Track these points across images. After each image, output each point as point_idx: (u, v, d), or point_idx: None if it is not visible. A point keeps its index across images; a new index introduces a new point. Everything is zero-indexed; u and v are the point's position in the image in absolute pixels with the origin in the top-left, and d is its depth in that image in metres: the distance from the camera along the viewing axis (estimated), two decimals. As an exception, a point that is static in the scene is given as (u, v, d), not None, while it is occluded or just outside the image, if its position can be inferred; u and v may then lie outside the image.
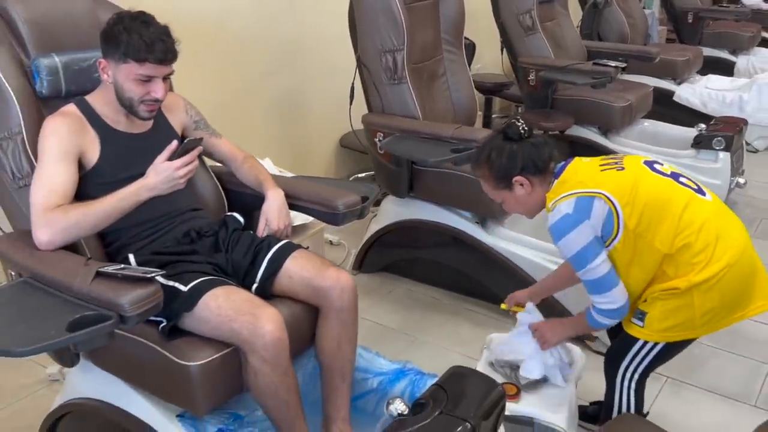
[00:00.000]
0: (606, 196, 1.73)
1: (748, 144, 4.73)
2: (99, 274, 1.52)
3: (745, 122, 3.91)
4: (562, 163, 1.85)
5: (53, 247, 1.65)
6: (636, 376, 1.92)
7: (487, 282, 2.87)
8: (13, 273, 1.74)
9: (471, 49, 3.90)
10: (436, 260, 3.04)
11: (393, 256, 3.15)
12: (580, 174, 1.80)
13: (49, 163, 1.70)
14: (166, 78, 1.78)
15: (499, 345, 2.16)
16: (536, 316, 2.08)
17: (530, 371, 2.01)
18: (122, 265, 1.59)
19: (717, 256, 1.73)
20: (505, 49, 4.15)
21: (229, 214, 2.01)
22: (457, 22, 3.13)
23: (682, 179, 1.83)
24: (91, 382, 1.86)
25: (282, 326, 1.60)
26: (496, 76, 4.78)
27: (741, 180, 3.81)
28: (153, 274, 1.52)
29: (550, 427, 1.96)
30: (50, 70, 1.82)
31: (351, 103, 3.00)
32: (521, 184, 1.83)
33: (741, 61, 5.93)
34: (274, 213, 1.95)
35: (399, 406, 1.64)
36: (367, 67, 2.86)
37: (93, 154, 1.78)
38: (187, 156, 1.76)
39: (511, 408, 1.94)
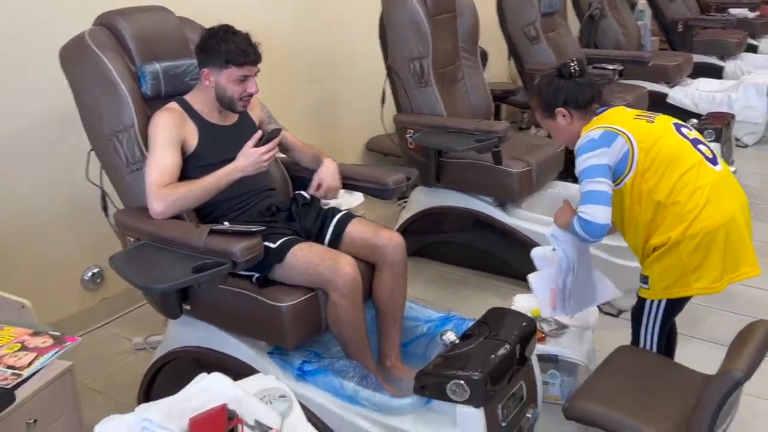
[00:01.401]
0: (628, 136, 2.01)
1: (738, 140, 5.12)
2: (212, 232, 1.91)
3: (732, 116, 4.31)
4: (604, 107, 2.16)
5: (164, 217, 2.05)
6: (656, 331, 2.17)
7: (509, 259, 3.25)
8: (131, 239, 2.12)
9: (484, 56, 4.31)
10: (462, 242, 3.43)
11: (423, 241, 3.52)
12: (614, 117, 2.09)
13: (159, 149, 2.09)
14: (255, 75, 2.18)
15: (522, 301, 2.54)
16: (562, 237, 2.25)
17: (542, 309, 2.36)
18: (226, 225, 1.99)
19: (701, 218, 1.98)
20: (512, 58, 4.56)
21: (298, 192, 2.40)
22: (473, 32, 3.56)
23: (700, 146, 2.08)
24: (191, 333, 2.24)
25: (356, 269, 1.99)
26: (503, 84, 5.18)
27: (732, 168, 4.19)
28: (255, 229, 1.91)
29: (570, 361, 2.33)
30: (153, 75, 2.22)
31: (383, 106, 3.40)
32: (563, 115, 2.14)
33: (729, 66, 6.34)
34: (328, 175, 2.33)
35: (450, 336, 2.02)
36: (397, 73, 3.27)
37: (192, 141, 2.17)
38: (270, 143, 2.14)
39: (539, 348, 2.31)
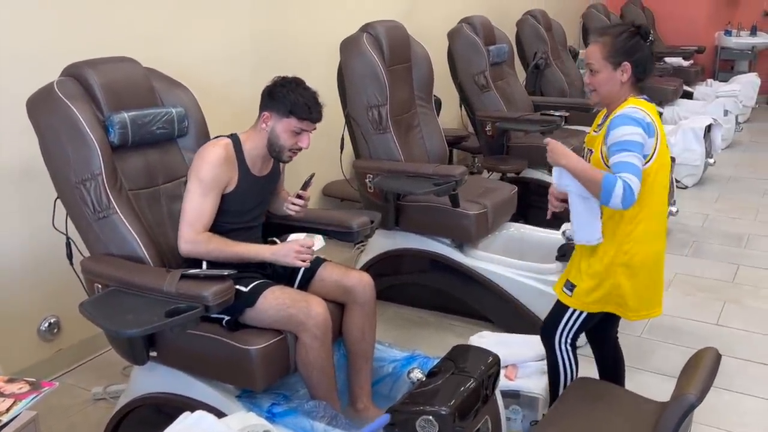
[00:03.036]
0: (656, 146, 2.01)
1: (678, 181, 5.38)
2: (183, 276, 1.95)
3: (672, 159, 4.53)
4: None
5: (188, 256, 2.13)
6: (569, 341, 2.22)
7: (467, 298, 3.34)
8: (99, 285, 2.13)
9: (438, 104, 4.46)
10: (420, 284, 3.50)
11: (382, 283, 3.54)
12: (659, 122, 2.04)
13: (202, 192, 2.16)
14: (310, 132, 2.25)
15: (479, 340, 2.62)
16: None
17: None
18: (198, 270, 2.02)
19: (652, 245, 2.09)
20: (463, 106, 4.73)
21: (270, 238, 2.45)
22: (428, 82, 3.70)
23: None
24: (158, 379, 2.24)
25: (327, 311, 2.05)
26: (455, 129, 5.35)
27: (673, 209, 4.39)
28: (227, 272, 1.95)
29: (531, 396, 2.41)
30: (121, 124, 2.25)
31: (341, 152, 3.49)
32: (624, 72, 2.05)
33: (667, 111, 6.67)
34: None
35: (417, 374, 2.09)
36: (355, 120, 3.37)
37: (231, 187, 2.23)
38: (306, 251, 2.15)
39: (501, 384, 2.38)
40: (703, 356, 1.79)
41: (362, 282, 2.24)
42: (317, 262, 2.32)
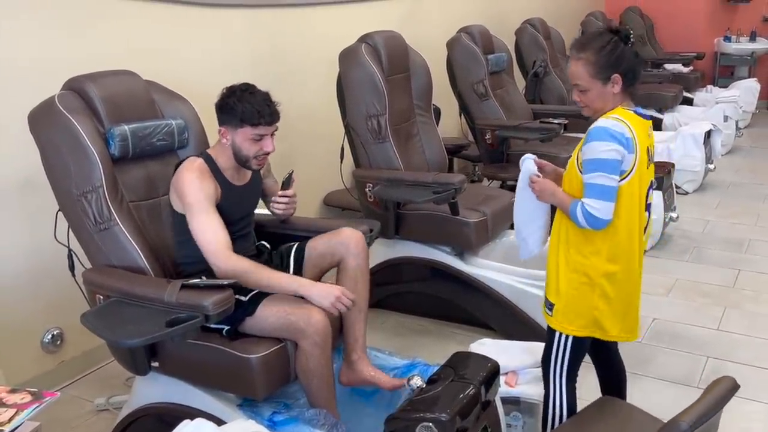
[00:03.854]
0: (635, 163, 1.93)
1: (678, 187, 5.39)
2: (184, 287, 1.96)
3: (672, 165, 4.56)
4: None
5: (226, 276, 2.09)
6: (564, 373, 2.12)
7: (467, 306, 3.35)
8: (101, 297, 2.15)
9: (437, 113, 4.48)
10: (421, 292, 3.51)
11: (383, 292, 3.60)
12: (642, 135, 1.96)
13: (205, 211, 2.15)
14: (272, 134, 2.25)
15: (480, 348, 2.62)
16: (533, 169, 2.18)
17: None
18: (198, 280, 2.04)
19: (628, 261, 2.02)
20: (463, 114, 4.75)
21: (259, 243, 2.48)
22: (426, 91, 3.72)
23: (650, 189, 2.07)
24: (160, 389, 2.26)
25: (327, 318, 2.06)
26: (455, 138, 5.37)
27: (674, 215, 4.41)
28: (226, 282, 1.97)
29: (532, 402, 2.41)
30: (122, 136, 2.28)
31: (341, 161, 3.51)
32: (615, 83, 1.96)
33: (667, 118, 6.69)
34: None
35: (417, 381, 2.10)
36: (355, 130, 3.39)
37: (217, 200, 2.23)
38: (347, 303, 2.13)
39: (501, 390, 2.38)
40: (716, 384, 1.74)
41: (354, 235, 2.30)
42: (304, 240, 2.38)
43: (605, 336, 2.10)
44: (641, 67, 2.04)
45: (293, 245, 2.40)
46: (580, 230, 2.00)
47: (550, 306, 2.11)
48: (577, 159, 2.02)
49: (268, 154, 2.27)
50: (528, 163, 2.19)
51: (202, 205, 2.15)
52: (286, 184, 2.45)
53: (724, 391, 1.67)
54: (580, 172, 1.99)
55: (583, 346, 2.14)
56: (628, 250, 2.03)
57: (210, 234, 2.13)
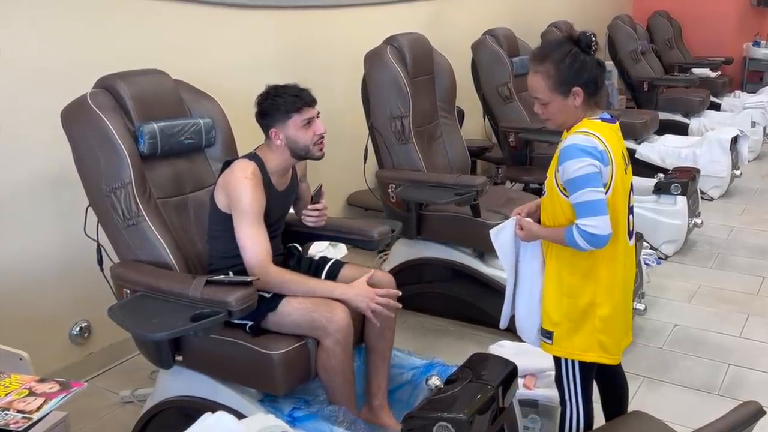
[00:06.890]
0: (612, 176, 1.88)
1: (703, 193, 5.34)
2: (208, 282, 2.01)
3: (697, 171, 4.52)
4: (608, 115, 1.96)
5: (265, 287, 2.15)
6: (579, 394, 2.05)
7: (487, 308, 3.34)
8: (128, 291, 2.20)
9: (461, 115, 4.50)
10: (441, 293, 3.53)
11: (404, 292, 3.57)
12: (615, 146, 1.89)
13: (255, 221, 2.19)
14: (318, 116, 2.30)
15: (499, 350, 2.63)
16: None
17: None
18: (222, 276, 2.08)
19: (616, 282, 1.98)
20: (487, 117, 4.76)
21: (290, 245, 2.52)
22: (450, 93, 3.75)
23: (630, 216, 2.02)
24: (183, 382, 2.30)
25: (349, 317, 2.09)
26: (479, 140, 5.38)
27: (698, 221, 4.38)
28: (250, 279, 2.01)
29: (550, 405, 2.42)
30: (151, 134, 2.33)
31: (365, 162, 3.54)
32: (576, 96, 1.88)
33: (694, 123, 6.62)
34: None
35: (436, 381, 2.12)
36: (379, 131, 3.43)
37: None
38: (386, 303, 2.19)
39: (519, 393, 2.40)
40: (739, 408, 1.70)
41: (385, 279, 2.32)
42: (339, 263, 2.39)
43: (611, 360, 2.03)
44: (603, 76, 1.95)
45: (329, 260, 2.45)
46: (568, 253, 1.94)
47: (548, 335, 2.03)
48: (556, 180, 1.94)
49: (323, 136, 2.31)
50: (504, 232, 2.09)
51: (255, 218, 2.19)
52: (317, 196, 2.50)
53: (743, 416, 1.60)
54: (563, 194, 1.91)
55: (591, 368, 2.07)
56: (612, 258, 1.96)
57: (258, 246, 2.17)
